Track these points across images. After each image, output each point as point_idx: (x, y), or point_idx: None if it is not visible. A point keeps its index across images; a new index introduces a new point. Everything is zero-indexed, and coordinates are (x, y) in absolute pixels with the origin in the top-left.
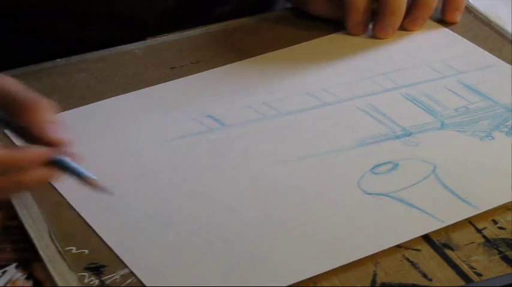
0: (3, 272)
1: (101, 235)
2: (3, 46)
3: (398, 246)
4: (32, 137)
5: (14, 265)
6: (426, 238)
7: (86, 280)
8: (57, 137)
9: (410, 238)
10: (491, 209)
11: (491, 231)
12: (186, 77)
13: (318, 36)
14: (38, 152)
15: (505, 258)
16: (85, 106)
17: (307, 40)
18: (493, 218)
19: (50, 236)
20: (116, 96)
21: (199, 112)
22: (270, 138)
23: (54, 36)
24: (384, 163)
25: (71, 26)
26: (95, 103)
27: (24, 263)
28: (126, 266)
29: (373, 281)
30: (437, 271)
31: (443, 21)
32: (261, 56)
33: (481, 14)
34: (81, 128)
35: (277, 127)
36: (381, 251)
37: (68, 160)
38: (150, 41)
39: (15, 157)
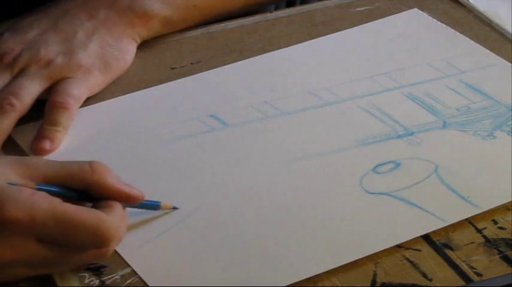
0: None
1: None
2: None
3: (399, 246)
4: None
5: None
6: (426, 238)
7: (86, 280)
8: (132, 191)
9: (412, 237)
10: (491, 209)
11: (491, 231)
12: (187, 77)
13: (318, 36)
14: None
15: (505, 258)
16: (86, 107)
17: (307, 40)
18: (493, 218)
19: None
20: (117, 97)
21: (201, 112)
22: (272, 138)
23: None
24: (386, 162)
25: None
26: (96, 104)
27: None
28: (126, 267)
29: (373, 281)
30: (437, 271)
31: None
32: (261, 56)
33: (481, 13)
34: (82, 129)
35: (279, 127)
36: (381, 251)
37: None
38: (151, 42)
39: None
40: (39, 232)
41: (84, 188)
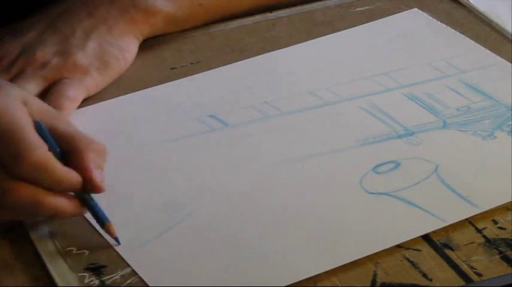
0: None
1: (103, 234)
2: None
3: (399, 246)
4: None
5: None
6: (426, 238)
7: (86, 280)
8: (99, 182)
9: (412, 237)
10: (491, 209)
11: (491, 231)
12: (187, 78)
13: (318, 36)
14: (74, 176)
15: (505, 258)
16: (86, 107)
17: (307, 40)
18: (493, 218)
19: (51, 236)
20: (117, 97)
21: (201, 112)
22: (272, 138)
23: None
24: (386, 162)
25: None
26: (96, 104)
27: None
28: (126, 267)
29: (373, 281)
30: (437, 271)
31: None
32: (261, 56)
33: (481, 13)
34: (83, 130)
35: (279, 127)
36: (381, 251)
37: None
38: (151, 42)
39: (51, 165)
40: None
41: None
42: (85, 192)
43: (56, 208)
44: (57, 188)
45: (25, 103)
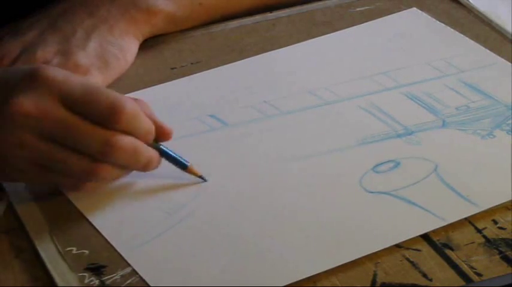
0: None
1: (104, 234)
2: None
3: (399, 246)
4: None
5: None
6: (426, 238)
7: (86, 280)
8: (167, 126)
9: (412, 236)
10: (491, 209)
11: (491, 231)
12: (187, 77)
13: (318, 36)
14: (150, 124)
15: (505, 258)
16: None
17: (307, 40)
18: (493, 218)
19: (51, 236)
20: None
21: (201, 112)
22: (272, 138)
23: None
24: (386, 162)
25: None
26: None
27: None
28: (126, 267)
29: (373, 281)
30: (437, 271)
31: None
32: (261, 55)
33: (481, 13)
34: None
35: (278, 126)
36: (381, 251)
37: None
38: (151, 42)
39: (143, 114)
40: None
41: None
42: (155, 142)
43: (149, 156)
44: (147, 135)
45: None
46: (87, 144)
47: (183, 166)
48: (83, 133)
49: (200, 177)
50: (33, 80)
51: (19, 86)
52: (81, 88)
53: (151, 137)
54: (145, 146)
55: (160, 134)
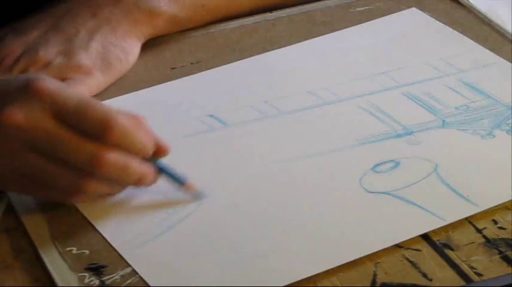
0: None
1: (104, 234)
2: None
3: (399, 246)
4: None
5: None
6: (426, 237)
7: (86, 280)
8: (165, 143)
9: (412, 236)
10: (491, 209)
11: (491, 231)
12: (187, 77)
13: (318, 36)
14: (152, 139)
15: (505, 258)
16: None
17: (307, 39)
18: (493, 218)
19: (51, 236)
20: (117, 97)
21: (201, 112)
22: (272, 137)
23: None
24: (385, 162)
25: None
26: None
27: None
28: (126, 267)
29: (373, 281)
30: (437, 271)
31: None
32: (261, 55)
33: (481, 13)
34: None
35: (278, 126)
36: (381, 251)
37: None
38: (151, 41)
39: (135, 129)
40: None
41: None
42: (153, 158)
43: (141, 172)
44: (141, 151)
45: None
46: (75, 157)
47: (181, 183)
48: (72, 146)
49: (199, 193)
50: (26, 91)
51: (12, 97)
52: (74, 101)
53: (146, 153)
54: (138, 162)
55: (157, 151)
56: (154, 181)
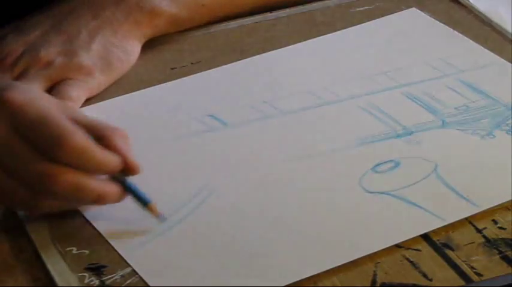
0: None
1: (104, 234)
2: None
3: (399, 246)
4: None
5: None
6: (426, 237)
7: (86, 280)
8: (134, 162)
9: (412, 236)
10: (491, 209)
11: (491, 231)
12: (187, 77)
13: (318, 36)
14: (114, 158)
15: (505, 258)
16: (86, 107)
17: (307, 39)
18: (493, 218)
19: (51, 236)
20: (117, 97)
21: (200, 112)
22: (272, 138)
23: None
24: (385, 162)
25: None
26: (96, 104)
27: None
28: (126, 267)
29: (373, 281)
30: (437, 271)
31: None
32: (261, 55)
33: (481, 13)
34: None
35: (278, 126)
36: (381, 251)
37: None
38: (151, 42)
39: (91, 148)
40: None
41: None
42: (120, 175)
43: (98, 191)
44: (98, 171)
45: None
46: (27, 174)
47: (144, 204)
48: (24, 161)
49: (159, 217)
50: None
51: None
52: (34, 116)
53: (106, 171)
54: (95, 181)
55: (126, 168)
56: (118, 199)
